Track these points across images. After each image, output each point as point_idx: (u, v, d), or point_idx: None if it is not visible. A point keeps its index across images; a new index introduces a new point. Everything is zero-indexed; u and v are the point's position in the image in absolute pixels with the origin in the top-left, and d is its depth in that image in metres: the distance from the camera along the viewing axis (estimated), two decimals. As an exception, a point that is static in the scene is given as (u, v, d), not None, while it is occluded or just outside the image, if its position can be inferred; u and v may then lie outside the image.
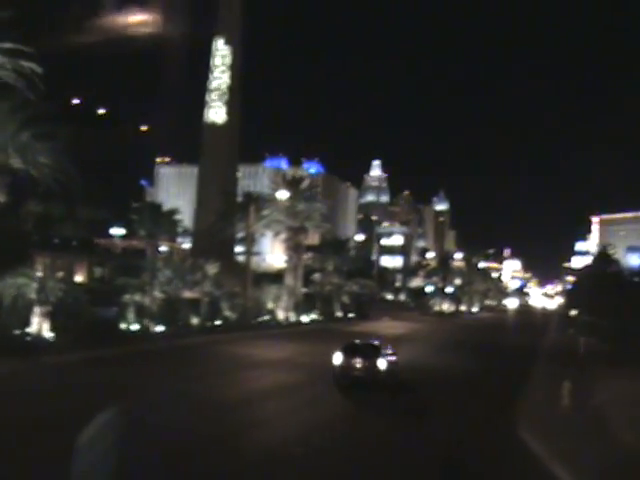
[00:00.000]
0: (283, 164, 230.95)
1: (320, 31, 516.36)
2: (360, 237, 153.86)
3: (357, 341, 33.76)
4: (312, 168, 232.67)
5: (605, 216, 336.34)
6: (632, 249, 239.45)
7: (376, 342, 33.74)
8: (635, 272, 57.77)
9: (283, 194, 69.98)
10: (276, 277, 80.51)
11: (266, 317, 67.25)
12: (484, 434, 22.48)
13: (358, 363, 30.08)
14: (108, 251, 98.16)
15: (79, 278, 74.22)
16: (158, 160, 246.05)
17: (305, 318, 73.14)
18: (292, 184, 74.87)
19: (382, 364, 30.08)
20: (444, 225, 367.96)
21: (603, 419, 24.17)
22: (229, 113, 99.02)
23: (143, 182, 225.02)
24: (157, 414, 21.48)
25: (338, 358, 30.59)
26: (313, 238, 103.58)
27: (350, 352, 30.76)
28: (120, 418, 6.75)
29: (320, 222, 77.10)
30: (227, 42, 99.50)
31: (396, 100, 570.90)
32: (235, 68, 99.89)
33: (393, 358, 31.60)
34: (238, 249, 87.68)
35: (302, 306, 73.77)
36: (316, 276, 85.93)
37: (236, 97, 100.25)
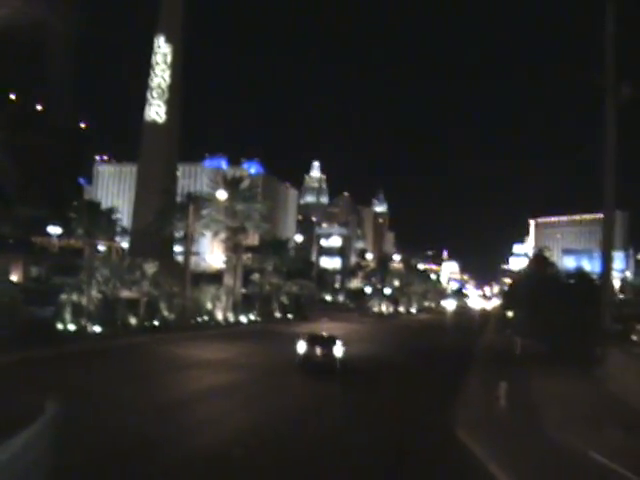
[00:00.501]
0: (223, 164, 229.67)
1: (261, 32, 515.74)
2: (299, 238, 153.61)
3: (317, 333, 41.86)
4: (252, 168, 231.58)
5: (542, 219, 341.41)
6: (567, 252, 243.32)
7: (332, 335, 40.42)
8: (570, 274, 58.47)
9: (222, 194, 69.59)
10: (215, 277, 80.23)
11: (205, 317, 66.89)
12: (422, 434, 22.70)
13: (318, 351, 36.87)
14: (45, 250, 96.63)
15: (15, 277, 73.02)
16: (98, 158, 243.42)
17: (244, 319, 72.90)
18: (232, 184, 74.54)
19: (338, 352, 36.86)
20: (383, 227, 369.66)
21: (539, 418, 24.57)
22: (169, 112, 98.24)
23: (81, 180, 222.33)
24: (91, 416, 21.28)
25: (302, 347, 37.29)
26: (253, 238, 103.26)
27: (311, 342, 37.69)
28: (53, 421, 6.66)
29: (259, 222, 76.90)
30: (168, 40, 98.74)
31: (335, 101, 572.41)
32: (176, 67, 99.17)
33: (344, 348, 37.65)
34: (177, 249, 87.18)
35: (241, 306, 73.54)
36: (255, 276, 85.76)
37: (176, 96, 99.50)
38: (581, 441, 20.33)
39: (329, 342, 38.02)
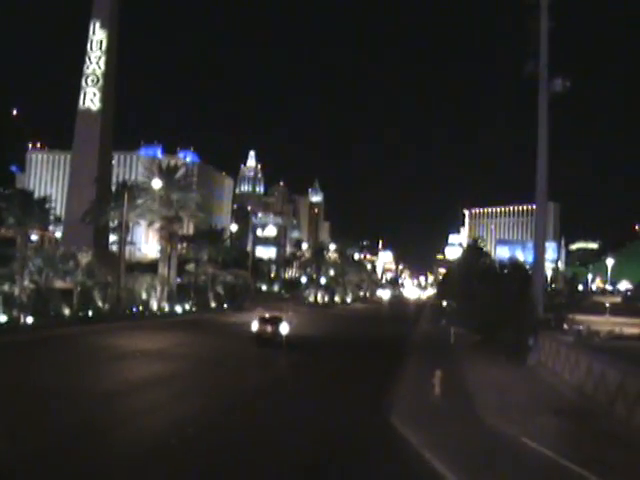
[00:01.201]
0: (158, 152, 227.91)
1: (197, 19, 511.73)
2: (235, 227, 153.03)
3: (267, 314, 49.05)
4: (187, 157, 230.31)
5: (476, 209, 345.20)
6: (502, 242, 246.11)
7: (279, 316, 48.11)
8: (504, 264, 59.13)
9: (158, 183, 69.09)
10: (150, 267, 79.69)
11: (140, 307, 66.41)
12: (357, 422, 22.84)
13: (268, 329, 45.46)
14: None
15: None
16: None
17: (179, 308, 72.52)
18: (167, 173, 74.10)
19: (284, 329, 45.26)
20: (319, 216, 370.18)
21: (473, 405, 24.91)
22: (104, 99, 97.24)
23: (13, 168, 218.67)
24: (22, 407, 21.07)
25: (255, 325, 45.95)
26: (188, 228, 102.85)
27: (263, 321, 46.36)
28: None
29: (195, 212, 76.62)
30: (103, 26, 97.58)
31: (271, 90, 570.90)
32: (111, 53, 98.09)
33: (290, 326, 46.01)
34: (112, 238, 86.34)
35: (176, 296, 73.21)
36: (190, 266, 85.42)
37: (111, 83, 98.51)
38: (514, 427, 20.68)
39: (277, 321, 46.31)
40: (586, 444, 19.14)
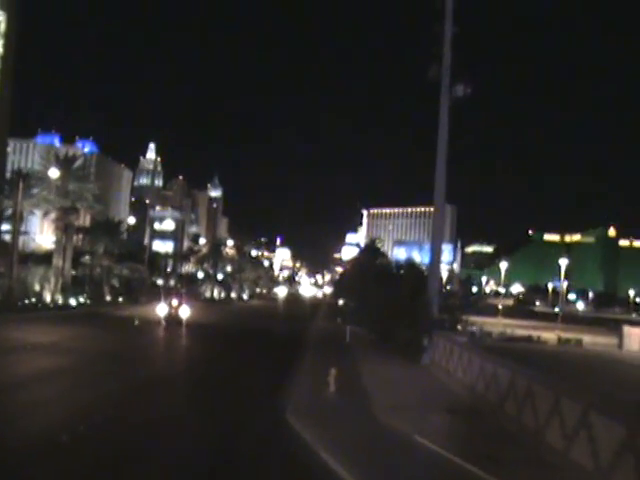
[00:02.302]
0: (56, 141, 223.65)
1: (99, 8, 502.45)
2: (132, 220, 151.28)
3: (171, 300, 60.07)
4: (86, 147, 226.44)
5: (375, 210, 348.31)
6: (399, 243, 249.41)
7: (182, 302, 59.71)
8: (400, 264, 59.97)
9: (54, 172, 67.74)
10: (45, 258, 78.00)
11: (32, 299, 65.06)
12: (251, 418, 22.86)
13: (173, 312, 57.91)
14: None
15: None
16: None
17: (73, 301, 71.26)
18: (64, 162, 72.73)
19: (184, 313, 57.76)
20: (217, 212, 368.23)
21: (368, 404, 25.19)
22: (0, 84, 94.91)
23: None
24: None
25: (162, 309, 57.86)
26: (84, 219, 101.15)
27: (169, 306, 58.40)
28: None
29: (92, 203, 75.39)
30: (2, 8, 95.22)
31: (172, 82, 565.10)
32: (10, 36, 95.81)
33: (189, 312, 58.52)
34: (4, 227, 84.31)
35: (71, 289, 71.94)
36: (86, 258, 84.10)
37: (9, 67, 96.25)
38: (408, 425, 21.00)
39: (178, 307, 58.46)
40: (477, 441, 19.59)
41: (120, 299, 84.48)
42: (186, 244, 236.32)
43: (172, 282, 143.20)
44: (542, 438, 19.12)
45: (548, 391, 19.74)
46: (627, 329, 62.33)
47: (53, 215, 71.59)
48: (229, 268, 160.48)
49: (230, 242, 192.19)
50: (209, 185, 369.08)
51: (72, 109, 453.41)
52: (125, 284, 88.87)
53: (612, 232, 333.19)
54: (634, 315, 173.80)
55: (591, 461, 15.99)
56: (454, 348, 34.53)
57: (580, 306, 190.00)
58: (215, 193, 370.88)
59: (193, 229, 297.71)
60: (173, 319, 56.54)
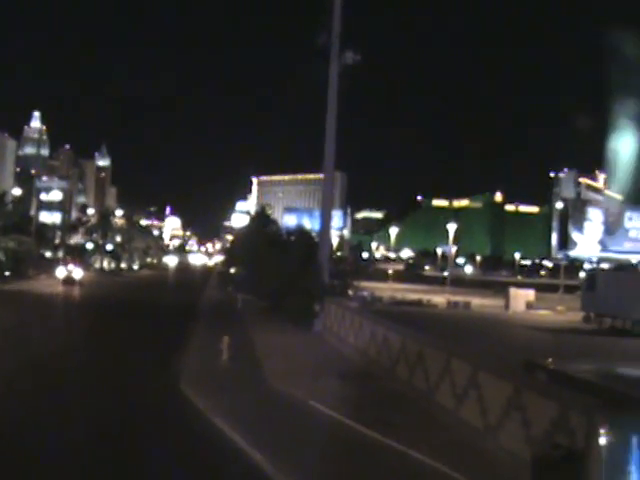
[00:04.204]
0: None
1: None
2: (18, 191, 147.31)
3: (67, 265, 79.53)
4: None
5: (265, 177, 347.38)
6: (289, 210, 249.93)
7: (77, 266, 77.97)
8: (291, 231, 60.03)
9: None
10: None
11: None
12: (144, 387, 22.70)
13: (68, 273, 77.09)
14: None
15: None
16: None
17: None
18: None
19: (77, 275, 76.86)
20: (105, 181, 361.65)
21: (261, 371, 25.31)
22: None
23: None
24: None
25: (61, 272, 78.46)
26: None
27: (66, 270, 76.73)
28: None
29: (-26, 174, 73.36)
30: None
31: (57, 47, 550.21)
32: None
33: (82, 274, 75.77)
34: None
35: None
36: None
37: None
38: (302, 391, 21.18)
39: (73, 271, 77.54)
40: (370, 405, 19.90)
41: (7, 273, 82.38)
42: (74, 215, 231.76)
43: (60, 254, 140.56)
44: (433, 399, 19.55)
45: (438, 353, 20.16)
46: (513, 291, 64.03)
47: None
48: (119, 238, 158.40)
49: (119, 212, 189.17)
50: (97, 154, 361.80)
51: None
52: (11, 258, 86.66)
53: (499, 197, 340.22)
54: (519, 277, 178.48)
55: (480, 419, 16.44)
56: (345, 313, 34.89)
57: (468, 270, 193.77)
58: (103, 162, 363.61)
59: (81, 199, 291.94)
60: (69, 281, 75.44)
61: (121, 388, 22.52)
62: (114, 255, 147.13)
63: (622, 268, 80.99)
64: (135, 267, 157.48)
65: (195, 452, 15.65)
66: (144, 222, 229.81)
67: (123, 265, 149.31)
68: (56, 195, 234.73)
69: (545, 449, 10.86)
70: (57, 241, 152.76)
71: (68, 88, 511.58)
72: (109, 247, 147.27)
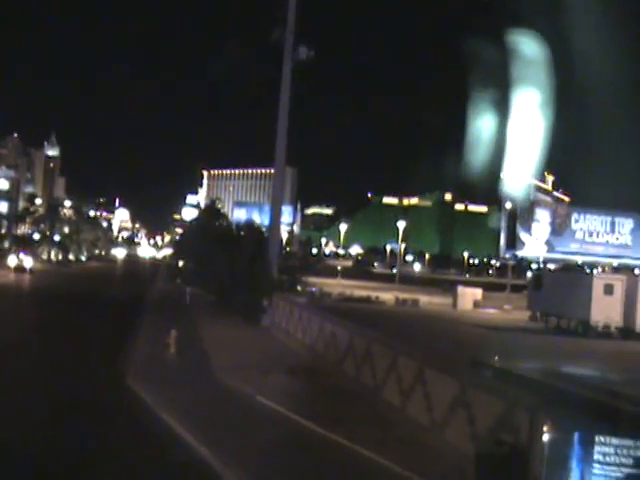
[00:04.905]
0: None
1: None
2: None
3: (19, 255, 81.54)
4: None
5: (216, 171, 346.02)
6: (239, 204, 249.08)
7: (27, 255, 78.69)
8: (240, 226, 59.84)
9: None
10: None
11: None
12: (91, 380, 22.52)
13: (19, 262, 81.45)
14: None
15: None
16: None
17: None
18: None
19: (28, 264, 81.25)
20: (54, 171, 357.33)
21: (209, 365, 25.27)
22: None
23: None
24: None
25: (13, 260, 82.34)
26: None
27: (16, 257, 79.43)
28: None
29: None
30: None
31: (8, 33, 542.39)
32: None
33: (32, 263, 77.37)
34: None
35: None
36: None
37: None
38: (249, 386, 21.18)
39: (25, 258, 79.55)
40: (318, 400, 19.94)
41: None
42: (21, 205, 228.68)
43: (7, 244, 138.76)
44: (380, 395, 19.66)
45: (386, 350, 20.28)
46: (461, 289, 64.43)
47: None
48: (67, 229, 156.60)
49: (68, 203, 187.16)
50: (46, 144, 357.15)
51: None
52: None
53: (448, 196, 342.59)
54: (467, 276, 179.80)
55: (427, 416, 16.58)
56: (294, 309, 34.97)
57: (417, 267, 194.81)
58: (52, 152, 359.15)
59: (29, 189, 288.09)
60: (20, 269, 79.31)
61: (65, 382, 22.27)
62: (62, 246, 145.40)
63: (568, 269, 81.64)
64: (83, 258, 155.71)
65: (141, 446, 15.56)
66: (93, 213, 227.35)
67: (71, 256, 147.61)
68: (3, 184, 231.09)
69: (489, 445, 11.01)
70: (3, 231, 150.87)
71: (18, 75, 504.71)
72: (57, 238, 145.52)
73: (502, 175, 69.93)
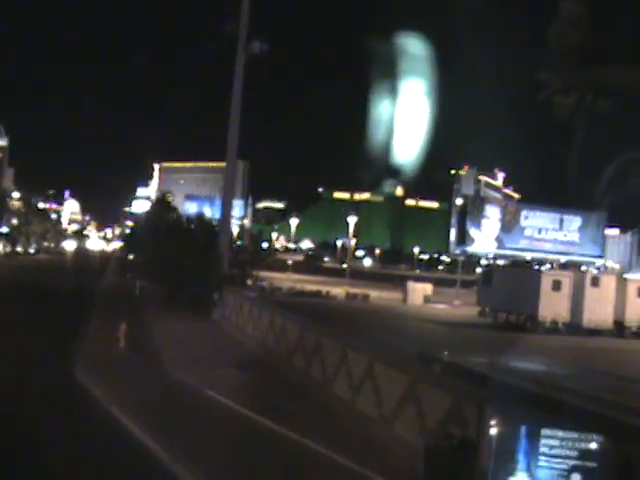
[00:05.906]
0: None
1: None
2: None
3: None
4: None
5: (167, 163, 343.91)
6: (190, 197, 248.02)
7: None
8: (191, 219, 59.61)
9: None
10: None
11: None
12: (39, 374, 22.27)
13: None
14: None
15: None
16: None
17: None
18: None
19: None
20: (3, 162, 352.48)
21: (159, 359, 25.16)
22: None
23: None
24: None
25: None
26: None
27: None
28: None
29: None
30: None
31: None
32: None
33: None
34: None
35: None
36: None
37: None
38: (199, 380, 21.14)
39: None
40: (267, 394, 19.95)
41: None
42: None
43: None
44: (330, 389, 19.72)
45: (335, 344, 20.35)
46: (411, 285, 64.88)
47: None
48: (15, 221, 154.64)
49: (16, 194, 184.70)
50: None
51: None
52: None
53: (399, 191, 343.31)
54: (418, 271, 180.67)
55: (376, 410, 16.66)
56: (244, 303, 34.95)
57: (367, 262, 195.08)
58: (1, 142, 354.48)
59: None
60: None
61: (10, 376, 21.94)
62: (10, 238, 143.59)
63: (517, 265, 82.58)
64: (31, 251, 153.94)
65: (89, 440, 15.44)
66: (42, 205, 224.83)
67: (19, 249, 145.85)
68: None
69: (438, 439, 11.11)
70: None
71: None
72: (5, 230, 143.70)
73: (453, 171, 70.53)
